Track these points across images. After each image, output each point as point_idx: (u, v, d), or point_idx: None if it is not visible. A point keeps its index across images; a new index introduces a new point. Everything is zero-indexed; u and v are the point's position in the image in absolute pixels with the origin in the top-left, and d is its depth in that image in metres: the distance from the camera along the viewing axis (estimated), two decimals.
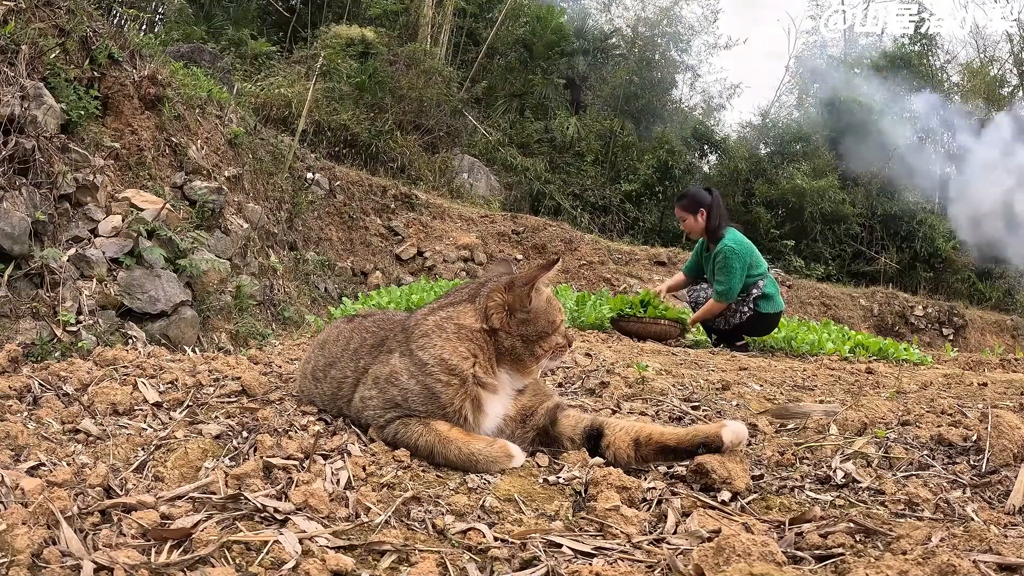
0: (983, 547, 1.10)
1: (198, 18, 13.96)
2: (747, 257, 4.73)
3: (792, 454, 1.68)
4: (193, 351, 3.30)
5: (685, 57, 23.10)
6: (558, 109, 18.50)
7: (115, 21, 8.16)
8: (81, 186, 4.99)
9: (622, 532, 1.24)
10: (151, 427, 1.74)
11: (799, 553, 1.15)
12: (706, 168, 20.06)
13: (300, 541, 1.12)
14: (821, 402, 2.28)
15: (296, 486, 1.34)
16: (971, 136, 18.60)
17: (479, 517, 1.30)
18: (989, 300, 17.33)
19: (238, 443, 1.62)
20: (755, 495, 1.44)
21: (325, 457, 1.54)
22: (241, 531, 1.16)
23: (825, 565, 1.11)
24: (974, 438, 1.70)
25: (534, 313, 1.66)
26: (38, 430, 1.62)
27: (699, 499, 1.40)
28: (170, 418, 1.81)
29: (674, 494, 1.42)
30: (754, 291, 4.78)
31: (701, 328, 5.23)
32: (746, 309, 4.78)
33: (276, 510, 1.23)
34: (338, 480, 1.42)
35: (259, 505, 1.24)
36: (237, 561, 1.07)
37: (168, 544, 1.09)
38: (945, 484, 1.48)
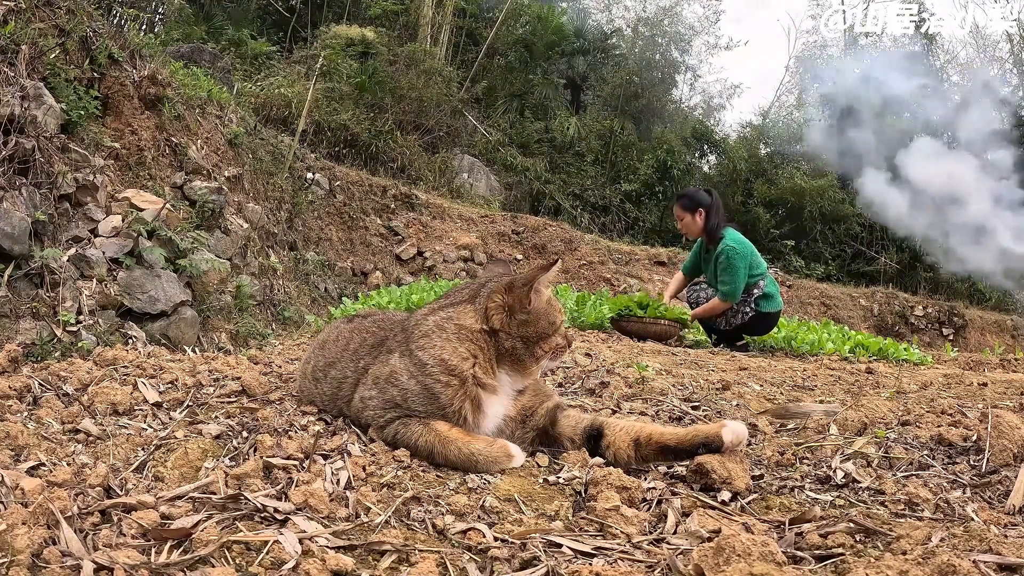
0: (983, 547, 1.10)
1: (198, 18, 13.96)
2: (749, 256, 4.75)
3: (792, 454, 1.68)
4: (193, 351, 3.31)
5: (685, 57, 23.17)
6: (558, 109, 18.50)
7: (115, 21, 8.16)
8: (81, 186, 4.98)
9: (622, 532, 1.24)
10: (151, 427, 1.74)
11: (799, 553, 1.15)
12: (706, 168, 20.06)
13: (300, 541, 1.12)
14: (821, 402, 2.28)
15: (296, 486, 1.34)
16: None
17: (479, 517, 1.30)
18: (989, 300, 17.29)
19: (238, 443, 1.61)
20: (755, 495, 1.44)
21: (325, 457, 1.54)
22: (241, 531, 1.16)
23: (825, 565, 1.11)
24: (974, 438, 1.70)
25: (534, 314, 1.66)
26: (38, 430, 1.62)
27: (699, 499, 1.39)
28: (170, 418, 1.81)
29: (674, 494, 1.42)
30: (755, 291, 4.79)
31: (701, 328, 5.24)
32: (748, 309, 4.79)
33: (276, 510, 1.23)
34: (338, 480, 1.42)
35: (259, 505, 1.24)
36: (237, 561, 1.06)
37: (168, 544, 1.09)
38: (945, 484, 1.48)
